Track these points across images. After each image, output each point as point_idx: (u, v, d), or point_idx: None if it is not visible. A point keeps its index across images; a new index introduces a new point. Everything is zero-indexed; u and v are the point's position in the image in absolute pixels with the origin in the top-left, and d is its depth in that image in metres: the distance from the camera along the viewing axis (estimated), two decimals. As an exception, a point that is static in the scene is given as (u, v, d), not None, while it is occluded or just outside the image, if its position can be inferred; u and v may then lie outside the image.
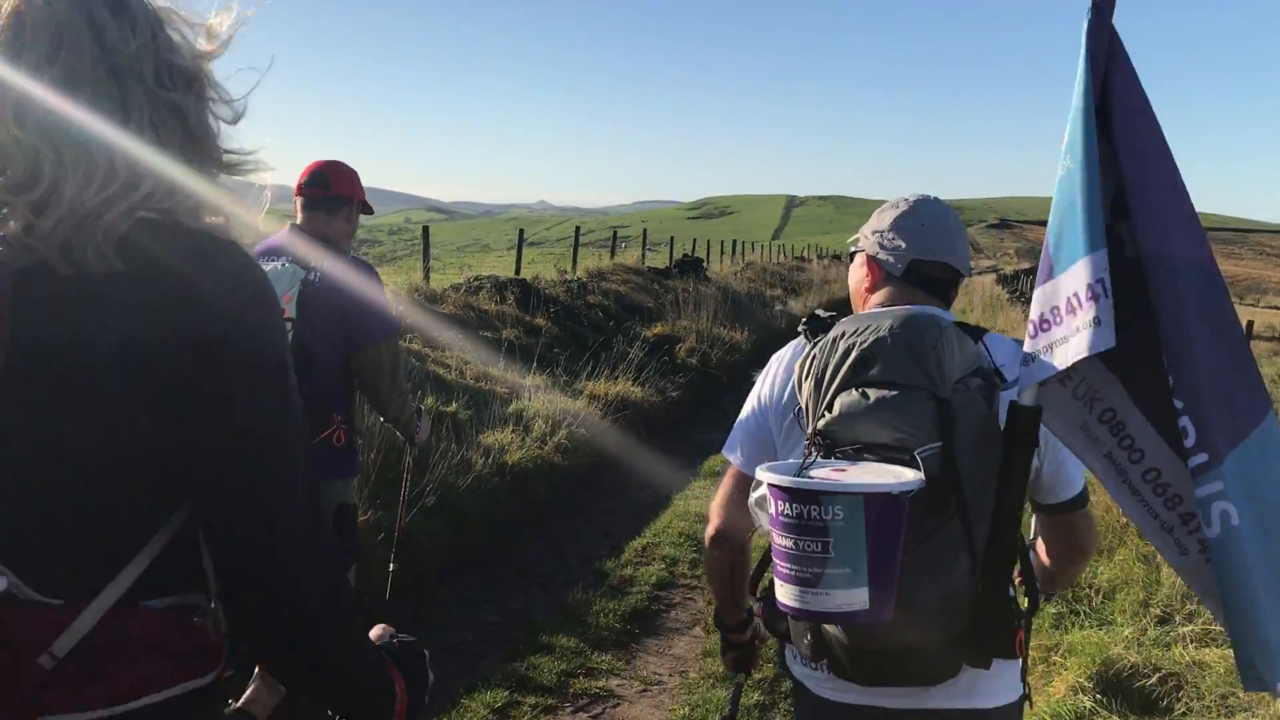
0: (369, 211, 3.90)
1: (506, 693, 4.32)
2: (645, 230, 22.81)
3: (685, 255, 23.66)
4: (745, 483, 1.91)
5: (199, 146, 1.17)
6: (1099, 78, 1.60)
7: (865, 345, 1.64)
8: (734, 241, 33.10)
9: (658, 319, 15.42)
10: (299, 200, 3.60)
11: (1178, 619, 4.50)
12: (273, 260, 3.40)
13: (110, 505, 1.09)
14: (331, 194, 3.59)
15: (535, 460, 7.51)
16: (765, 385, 2.01)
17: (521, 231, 18.29)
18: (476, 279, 13.21)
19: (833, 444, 1.63)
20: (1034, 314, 1.66)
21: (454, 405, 8.04)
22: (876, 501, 1.45)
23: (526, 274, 17.14)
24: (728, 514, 2.01)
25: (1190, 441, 1.50)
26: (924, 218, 1.97)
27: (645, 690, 4.52)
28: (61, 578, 1.07)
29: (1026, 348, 1.66)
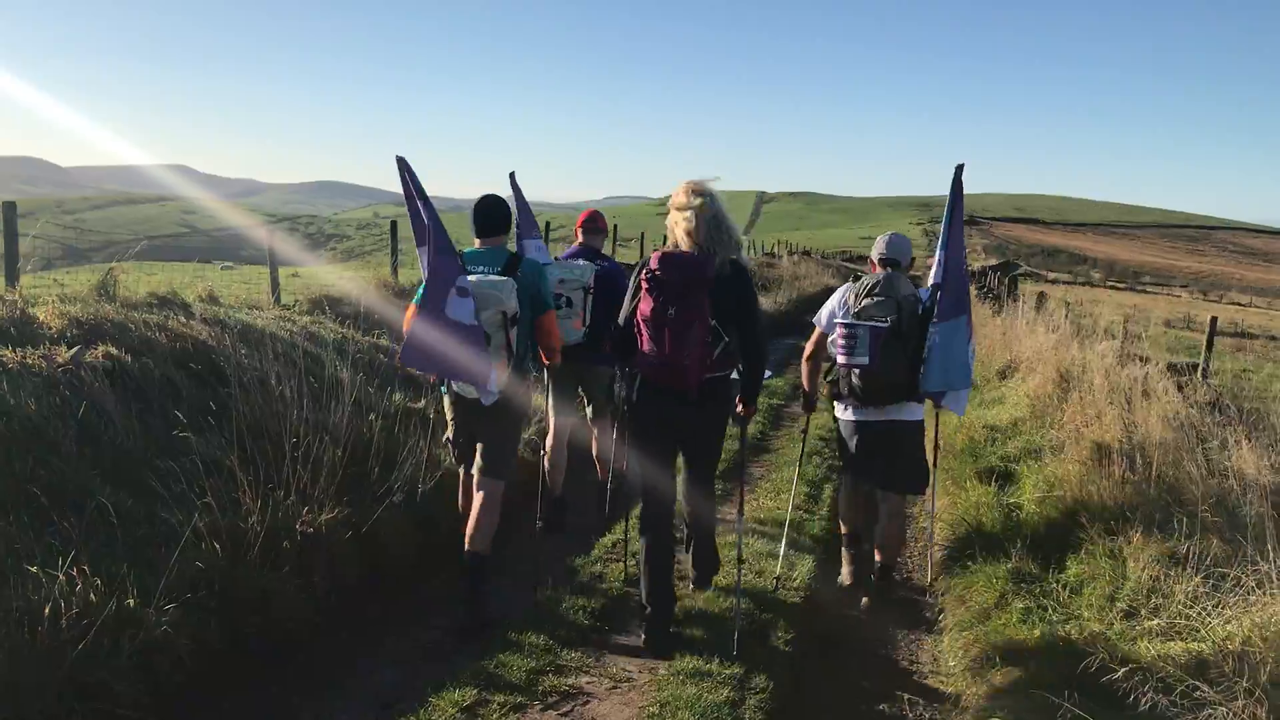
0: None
1: (475, 691, 4.29)
2: (616, 225, 22.73)
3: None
4: (822, 336, 5.59)
5: None
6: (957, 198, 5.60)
7: (873, 283, 5.31)
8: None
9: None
10: (581, 230, 7.06)
11: (1144, 613, 4.53)
12: (577, 260, 6.70)
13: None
14: (601, 228, 7.14)
15: (505, 456, 7.46)
16: (834, 299, 5.56)
17: (491, 226, 18.15)
18: (446, 274, 13.13)
19: (858, 318, 5.19)
20: (930, 275, 5.58)
21: (422, 402, 7.98)
22: (874, 330, 5.10)
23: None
24: (814, 346, 5.71)
25: (938, 314, 5.25)
26: (887, 237, 5.68)
27: (615, 687, 4.51)
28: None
29: (925, 290, 5.44)
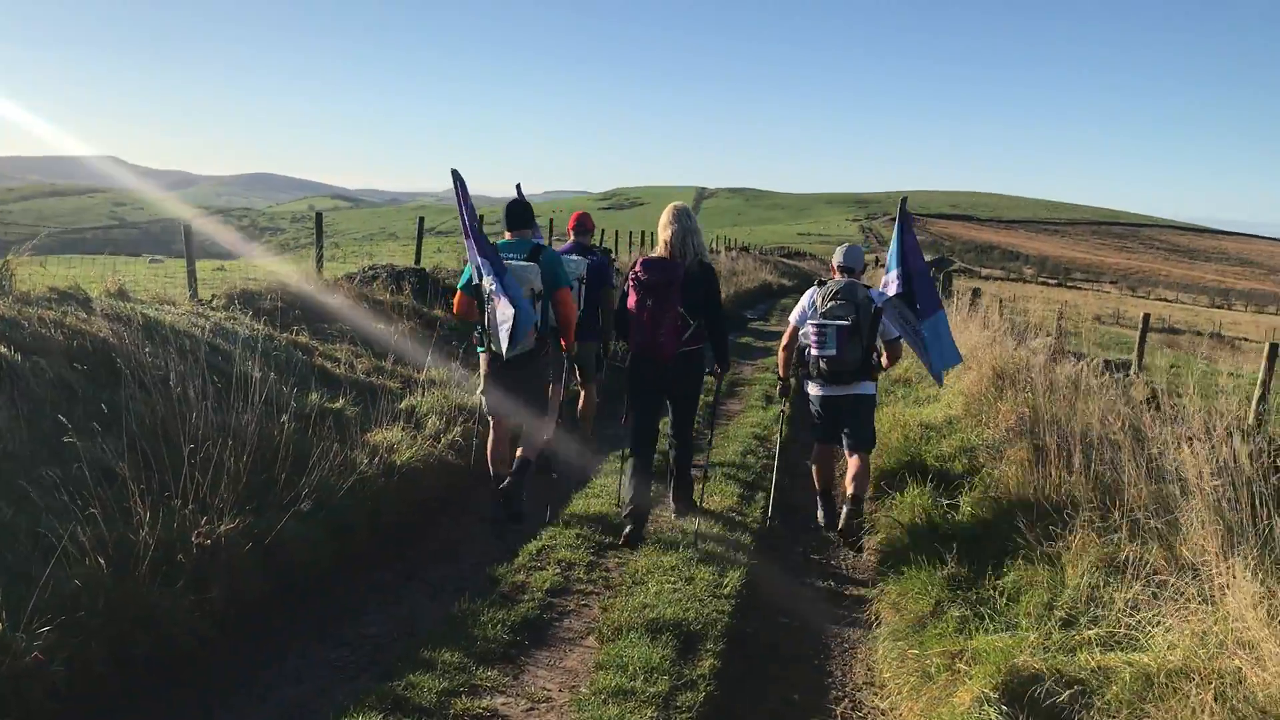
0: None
1: (380, 716, 3.97)
2: (552, 220, 22.36)
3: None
4: (795, 331, 6.85)
5: None
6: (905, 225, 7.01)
7: (836, 288, 6.55)
8: (644, 232, 32.88)
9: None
10: (572, 230, 8.40)
11: (1083, 621, 4.36)
12: (571, 255, 7.85)
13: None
14: (589, 227, 8.49)
15: (427, 459, 7.14)
16: (804, 300, 6.80)
17: (422, 220, 17.74)
18: (372, 268, 12.72)
19: (826, 318, 6.43)
20: (881, 284, 7.04)
21: (340, 401, 7.64)
22: (839, 328, 6.39)
23: (428, 263, 16.64)
24: (789, 339, 6.94)
25: (919, 313, 6.81)
26: (844, 248, 6.99)
27: (532, 708, 4.23)
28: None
29: (876, 292, 6.65)
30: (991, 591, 4.88)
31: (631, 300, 6.28)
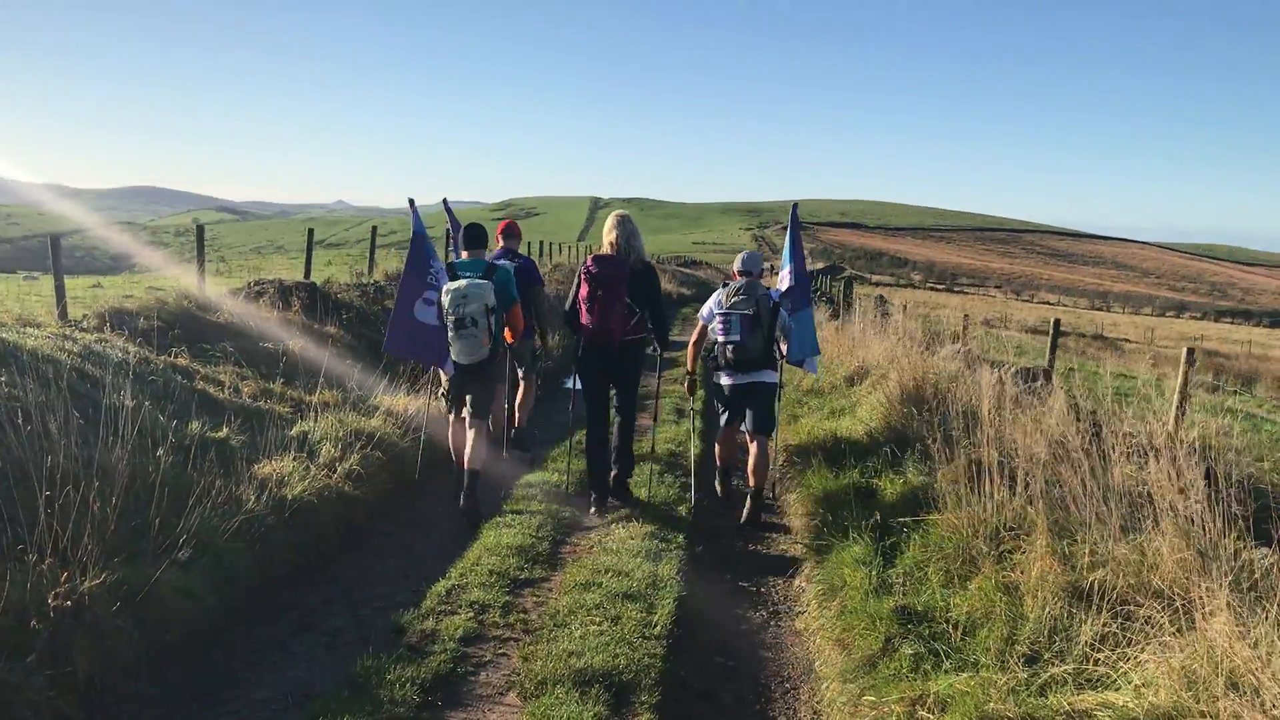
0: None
1: (273, 805, 3.44)
2: (447, 232, 21.64)
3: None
4: (704, 327, 7.62)
5: None
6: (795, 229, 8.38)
7: (737, 287, 7.33)
8: (541, 242, 32.32)
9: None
10: (501, 236, 8.93)
11: (1047, 655, 4.04)
12: (502, 259, 8.38)
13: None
14: (516, 233, 9.09)
15: (322, 492, 6.55)
16: (711, 301, 7.53)
17: (311, 231, 16.90)
18: (259, 283, 11.97)
19: (730, 309, 7.26)
20: (778, 281, 8.33)
21: (224, 430, 6.97)
22: (742, 317, 7.23)
23: (319, 277, 15.86)
24: (698, 335, 7.70)
25: (791, 308, 7.83)
26: (744, 254, 7.69)
27: (450, 784, 3.73)
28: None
29: (775, 290, 7.69)
30: (945, 625, 4.53)
31: (584, 292, 7.12)
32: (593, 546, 6.44)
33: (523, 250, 9.72)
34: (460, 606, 5.30)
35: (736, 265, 7.63)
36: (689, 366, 7.82)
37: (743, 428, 7.56)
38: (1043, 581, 4.35)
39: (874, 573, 5.27)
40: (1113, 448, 5.14)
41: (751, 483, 7.36)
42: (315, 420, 7.78)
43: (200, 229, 12.97)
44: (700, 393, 8.43)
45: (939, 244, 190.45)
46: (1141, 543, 4.25)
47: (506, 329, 7.45)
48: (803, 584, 6.12)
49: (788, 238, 8.30)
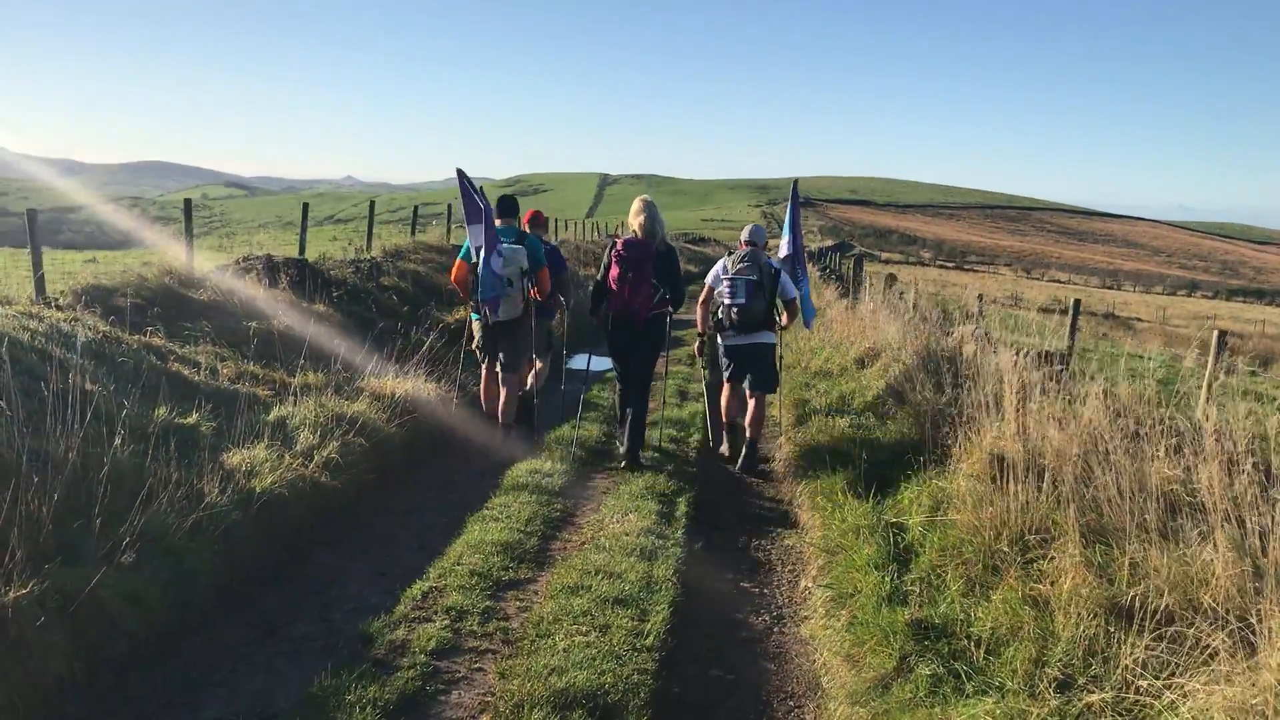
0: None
1: None
2: (450, 206, 21.18)
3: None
4: (710, 289, 8.35)
5: None
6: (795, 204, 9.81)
7: (742, 255, 8.19)
8: (553, 219, 31.83)
9: (461, 303, 14.07)
10: (528, 224, 9.21)
11: (1081, 680, 3.60)
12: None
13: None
14: (542, 221, 9.95)
15: (295, 483, 6.11)
16: (717, 267, 8.31)
17: (306, 206, 16.46)
18: (247, 259, 11.53)
19: (736, 275, 8.05)
20: (779, 252, 9.47)
21: (194, 416, 6.54)
22: (747, 282, 8.01)
23: (321, 252, 15.43)
24: (706, 294, 8.43)
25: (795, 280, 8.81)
26: (750, 227, 8.66)
27: (410, 826, 3.31)
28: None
29: (775, 260, 8.62)
30: (966, 641, 4.08)
31: (614, 273, 7.83)
32: (584, 543, 6.01)
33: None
34: (436, 612, 4.86)
35: (743, 236, 8.50)
36: (699, 327, 8.64)
37: (744, 385, 8.32)
38: (1076, 595, 3.89)
39: (887, 579, 4.82)
40: (1150, 443, 4.68)
41: (749, 433, 8.31)
42: (295, 404, 7.35)
43: (188, 203, 12.52)
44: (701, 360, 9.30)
45: (949, 221, 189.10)
46: (1188, 555, 3.79)
47: (534, 289, 8.31)
48: (809, 585, 5.68)
49: (788, 212, 9.61)
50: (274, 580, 5.44)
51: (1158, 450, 4.61)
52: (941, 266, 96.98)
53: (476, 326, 8.37)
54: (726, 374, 8.42)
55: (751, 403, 8.23)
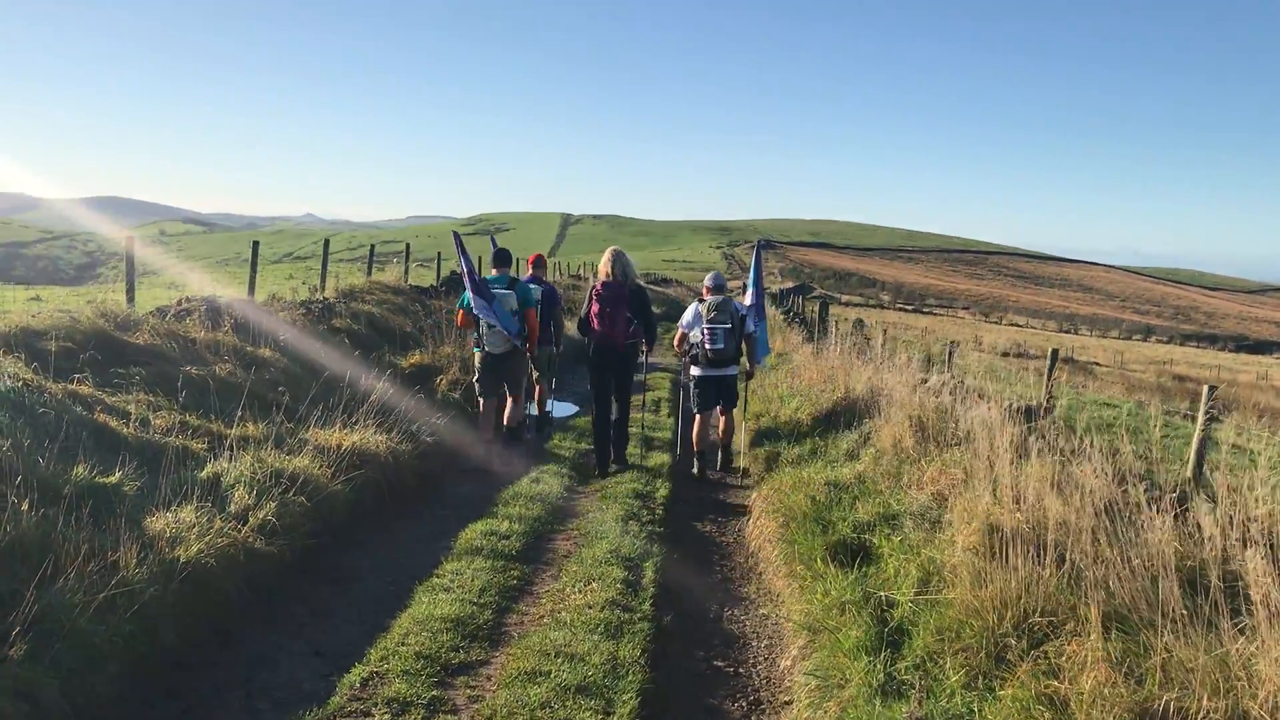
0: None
1: None
2: (408, 245, 20.68)
3: (454, 272, 21.58)
4: (683, 335, 10.29)
5: None
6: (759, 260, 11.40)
7: (715, 303, 9.92)
8: (517, 259, 31.32)
9: (417, 346, 13.55)
10: (531, 266, 11.90)
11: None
12: (530, 284, 10.74)
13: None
14: (543, 263, 12.21)
15: (227, 550, 5.56)
16: (689, 313, 10.25)
17: (256, 244, 15.88)
18: (188, 300, 10.95)
19: (713, 324, 9.88)
20: (745, 299, 11.15)
21: (117, 474, 5.97)
22: (725, 330, 9.88)
23: (267, 293, 14.85)
24: (680, 338, 10.37)
25: (754, 319, 10.56)
26: (712, 274, 10.45)
27: None
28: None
29: (741, 304, 10.52)
30: (973, 746, 3.63)
31: (595, 309, 9.55)
32: (543, 617, 5.51)
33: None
34: (376, 704, 4.34)
35: (707, 283, 10.19)
36: (680, 358, 11.27)
37: (714, 409, 10.12)
38: (1099, 697, 3.44)
39: (879, 666, 4.35)
40: (1163, 513, 4.28)
41: (724, 440, 10.37)
42: (231, 460, 6.80)
43: (129, 242, 11.93)
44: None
45: (907, 264, 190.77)
46: (1227, 655, 3.36)
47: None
48: (789, 666, 5.19)
49: (752, 267, 11.20)
50: (197, 664, 4.88)
51: (1168, 520, 4.21)
52: (901, 309, 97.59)
53: (478, 358, 9.95)
54: (696, 406, 10.13)
55: (722, 419, 10.25)
